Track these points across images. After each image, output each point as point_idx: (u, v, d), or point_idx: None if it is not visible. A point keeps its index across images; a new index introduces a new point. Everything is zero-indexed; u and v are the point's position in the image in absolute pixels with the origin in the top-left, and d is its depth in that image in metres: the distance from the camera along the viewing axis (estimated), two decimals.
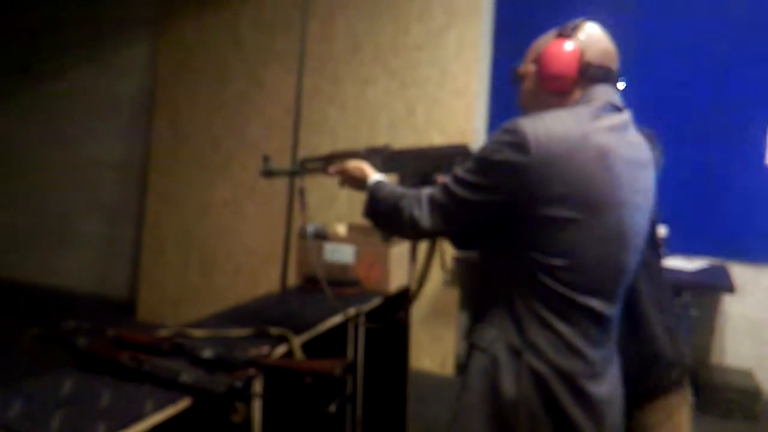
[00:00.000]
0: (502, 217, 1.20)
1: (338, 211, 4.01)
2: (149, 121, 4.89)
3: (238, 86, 4.49)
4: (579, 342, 1.20)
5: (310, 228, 2.30)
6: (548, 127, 1.15)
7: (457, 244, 1.42)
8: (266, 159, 1.75)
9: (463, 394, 1.30)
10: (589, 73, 1.24)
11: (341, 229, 2.45)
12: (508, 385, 1.20)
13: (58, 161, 5.48)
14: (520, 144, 1.14)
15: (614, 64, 1.28)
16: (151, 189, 4.79)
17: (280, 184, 3.91)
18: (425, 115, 3.92)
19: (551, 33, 1.30)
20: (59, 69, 5.45)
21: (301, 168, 1.72)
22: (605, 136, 1.19)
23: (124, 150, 5.20)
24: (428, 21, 3.94)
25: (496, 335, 1.24)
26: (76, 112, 5.39)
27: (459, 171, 1.24)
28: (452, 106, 3.84)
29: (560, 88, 1.25)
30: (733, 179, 3.52)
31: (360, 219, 2.37)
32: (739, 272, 3.47)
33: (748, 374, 3.47)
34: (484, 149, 1.21)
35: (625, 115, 1.26)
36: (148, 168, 4.82)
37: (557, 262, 1.17)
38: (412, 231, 1.32)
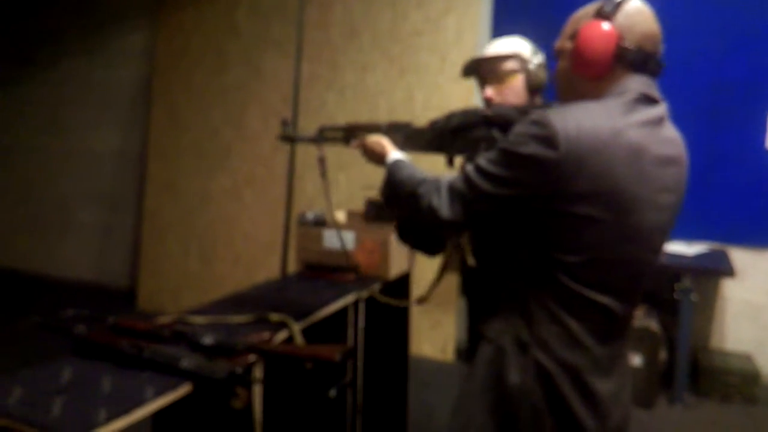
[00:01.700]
0: (522, 211, 1.16)
1: (337, 199, 4.00)
2: (147, 109, 4.87)
3: (236, 74, 4.47)
4: (586, 337, 1.18)
5: (310, 215, 2.30)
6: (579, 121, 1.09)
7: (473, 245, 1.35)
8: (285, 123, 1.69)
9: (467, 383, 1.29)
10: (626, 60, 1.16)
11: (341, 216, 2.45)
12: (513, 376, 1.20)
13: (56, 150, 5.48)
14: (548, 138, 1.08)
15: (657, 49, 1.19)
16: (151, 177, 4.78)
17: (279, 172, 3.91)
18: (424, 101, 3.90)
19: (592, 6, 1.21)
20: (57, 57, 5.43)
21: (320, 136, 1.69)
22: (637, 132, 1.13)
23: (122, 138, 5.19)
24: (427, 7, 3.91)
25: (505, 327, 1.23)
26: (74, 101, 5.37)
27: (482, 161, 1.18)
28: (451, 92, 3.82)
29: (592, 75, 1.18)
30: (733, 163, 3.50)
31: (359, 206, 2.37)
32: (739, 256, 3.47)
33: (747, 358, 3.48)
34: (509, 140, 1.16)
35: (661, 109, 1.20)
36: (147, 156, 4.81)
37: (573, 258, 1.14)
38: (429, 220, 1.25)
